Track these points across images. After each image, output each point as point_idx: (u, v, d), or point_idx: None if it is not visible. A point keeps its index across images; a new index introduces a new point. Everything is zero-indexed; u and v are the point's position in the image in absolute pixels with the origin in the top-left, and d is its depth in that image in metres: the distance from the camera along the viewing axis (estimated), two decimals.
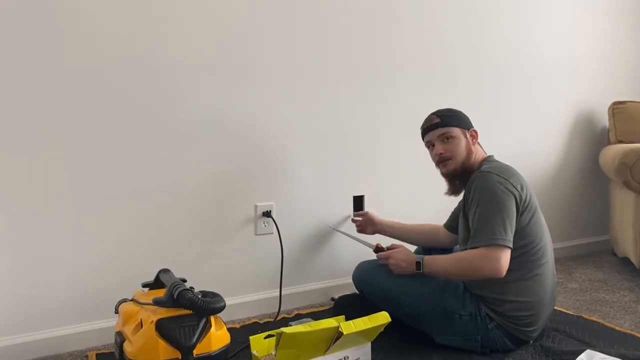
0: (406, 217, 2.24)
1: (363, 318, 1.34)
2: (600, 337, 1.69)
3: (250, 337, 1.37)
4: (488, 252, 1.49)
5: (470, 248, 1.54)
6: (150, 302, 1.39)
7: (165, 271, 1.54)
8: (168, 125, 1.81)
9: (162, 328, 1.31)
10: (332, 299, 2.07)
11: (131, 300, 1.51)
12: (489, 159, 1.72)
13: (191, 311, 1.34)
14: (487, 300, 1.58)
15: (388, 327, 1.39)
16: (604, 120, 2.87)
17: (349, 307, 1.79)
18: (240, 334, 1.72)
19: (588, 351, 1.51)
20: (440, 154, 1.71)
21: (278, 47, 1.99)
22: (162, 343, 1.29)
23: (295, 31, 2.02)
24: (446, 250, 1.90)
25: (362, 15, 2.15)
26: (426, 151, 2.31)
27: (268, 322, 1.90)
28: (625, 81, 2.97)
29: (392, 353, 1.60)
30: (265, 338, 1.38)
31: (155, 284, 1.54)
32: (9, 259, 1.60)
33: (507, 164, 1.70)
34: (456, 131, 1.71)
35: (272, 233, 2.00)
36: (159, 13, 1.77)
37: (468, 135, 1.72)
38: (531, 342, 1.62)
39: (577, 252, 2.83)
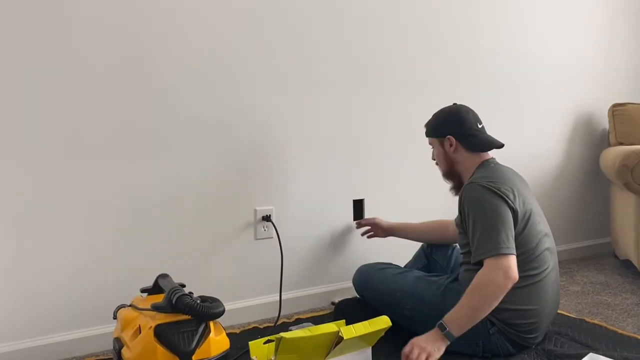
0: (407, 220, 2.24)
1: (364, 322, 1.33)
2: (602, 340, 1.68)
3: (250, 342, 1.36)
4: (495, 263, 1.45)
5: (475, 263, 1.51)
6: (149, 307, 1.37)
7: (164, 276, 1.53)
8: (167, 130, 1.80)
9: (161, 334, 1.30)
10: (333, 303, 2.06)
11: (130, 305, 1.50)
12: (484, 165, 1.67)
13: (190, 316, 1.33)
14: None
15: (389, 332, 1.38)
16: (604, 122, 2.87)
17: (349, 311, 1.79)
18: (240, 339, 1.71)
19: (591, 354, 1.50)
20: (433, 159, 1.80)
21: (279, 51, 1.98)
22: (160, 349, 1.28)
23: (295, 35, 2.01)
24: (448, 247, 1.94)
25: (364, 20, 2.15)
26: (425, 154, 2.32)
27: (268, 327, 1.89)
28: (625, 83, 2.97)
29: (393, 357, 1.58)
30: (264, 343, 1.37)
31: (154, 289, 1.53)
32: (6, 265, 1.59)
33: (505, 167, 1.68)
34: (434, 141, 1.76)
35: (272, 237, 2.00)
36: (162, 18, 1.77)
37: (446, 144, 1.71)
38: (533, 346, 1.61)
39: (579, 255, 2.82)
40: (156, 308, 1.36)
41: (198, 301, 1.34)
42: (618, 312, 2.00)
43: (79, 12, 1.65)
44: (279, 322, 1.90)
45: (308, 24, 2.04)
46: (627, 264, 2.57)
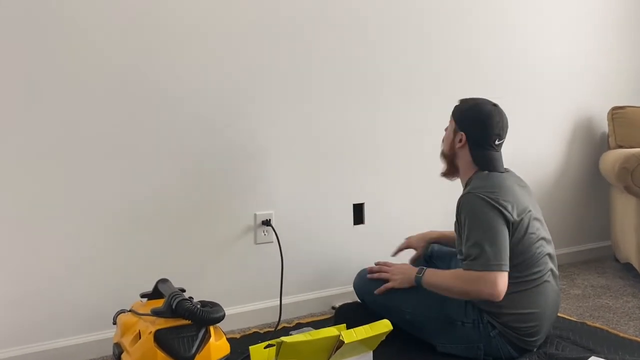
0: (407, 224, 2.24)
1: (364, 326, 1.32)
2: (604, 344, 1.67)
3: (250, 347, 1.35)
4: (485, 276, 1.46)
5: (465, 267, 1.51)
6: (149, 312, 1.37)
7: (163, 281, 1.53)
8: (167, 134, 1.80)
9: (161, 339, 1.30)
10: (333, 308, 2.05)
11: (129, 310, 1.49)
12: (480, 173, 1.63)
13: (190, 321, 1.33)
14: (487, 312, 1.56)
15: (390, 336, 1.37)
16: (604, 125, 2.87)
17: (350, 315, 1.78)
18: (240, 344, 1.71)
19: (593, 358, 1.50)
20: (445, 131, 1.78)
21: (278, 57, 1.98)
22: (160, 354, 1.28)
23: (295, 39, 2.01)
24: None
25: (364, 23, 2.15)
26: (426, 158, 2.32)
27: (268, 331, 1.88)
28: (625, 86, 2.97)
29: None
30: (265, 348, 1.36)
31: (154, 294, 1.53)
32: (4, 271, 1.59)
33: (505, 173, 1.65)
34: (451, 122, 1.73)
35: (272, 242, 1.99)
36: (160, 31, 1.77)
37: (457, 136, 1.68)
38: (534, 349, 1.60)
39: (579, 258, 2.81)
40: (156, 313, 1.35)
41: (198, 306, 1.34)
42: (619, 316, 2.00)
43: (79, 23, 1.66)
44: (279, 327, 1.90)
45: (310, 31, 2.04)
46: (628, 267, 2.56)
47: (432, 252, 1.97)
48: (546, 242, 1.61)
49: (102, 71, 1.70)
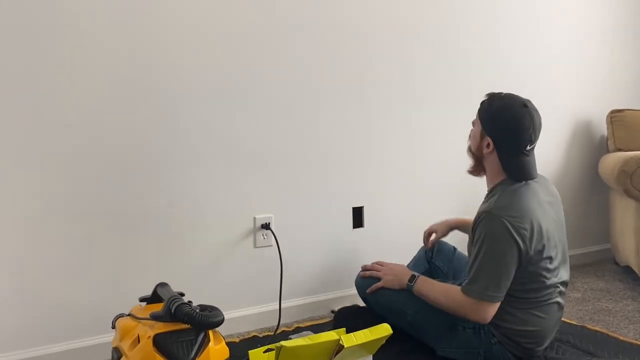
0: (406, 227, 2.24)
1: (364, 330, 1.32)
2: (604, 347, 1.67)
3: (250, 352, 1.35)
4: (477, 305, 1.46)
5: (462, 290, 1.49)
6: (148, 316, 1.36)
7: (162, 285, 1.52)
8: (166, 138, 1.80)
9: (160, 343, 1.29)
10: (333, 312, 2.04)
11: (128, 315, 1.48)
12: (508, 183, 1.53)
13: (189, 325, 1.32)
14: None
15: (389, 340, 1.37)
16: (603, 128, 2.87)
17: (349, 319, 1.77)
18: (240, 348, 1.70)
19: None
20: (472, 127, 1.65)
21: (277, 59, 1.98)
22: (159, 358, 1.27)
23: (295, 43, 2.01)
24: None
25: (361, 31, 2.15)
26: (425, 162, 2.32)
27: (268, 335, 1.87)
28: (623, 89, 2.97)
29: None
30: (264, 352, 1.36)
31: (153, 298, 1.52)
32: (3, 274, 1.58)
33: (532, 186, 1.54)
34: (477, 123, 1.59)
35: (272, 245, 1.99)
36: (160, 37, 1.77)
37: (484, 140, 1.56)
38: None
39: (579, 261, 2.81)
40: (155, 317, 1.34)
41: (197, 310, 1.33)
42: (619, 319, 1.99)
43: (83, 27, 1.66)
44: (278, 331, 1.89)
45: (309, 36, 2.04)
46: (627, 270, 2.56)
47: (433, 252, 1.97)
48: (562, 270, 1.55)
49: (99, 82, 1.70)
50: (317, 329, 1.85)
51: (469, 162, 1.67)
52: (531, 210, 1.48)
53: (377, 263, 1.78)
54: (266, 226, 1.98)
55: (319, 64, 2.07)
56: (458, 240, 2.02)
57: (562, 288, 1.57)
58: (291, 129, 2.03)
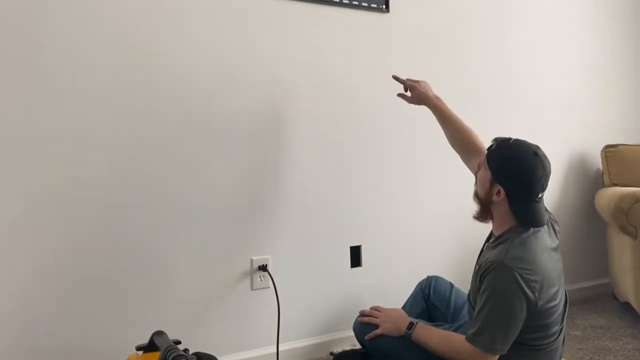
0: (404, 265, 2.24)
1: None
2: None
3: None
4: (482, 356, 1.44)
5: (468, 340, 1.47)
6: None
7: (159, 333, 1.51)
8: (161, 185, 1.81)
9: None
10: (332, 354, 2.03)
11: None
12: (521, 230, 1.51)
13: None
14: None
15: None
16: (598, 161, 2.89)
17: None
18: None
19: None
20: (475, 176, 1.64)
21: (276, 110, 2.01)
22: None
23: (299, 91, 2.05)
24: None
25: (366, 59, 2.19)
26: (422, 199, 2.33)
27: None
28: (616, 123, 2.99)
29: None
30: None
31: (150, 346, 1.51)
32: None
33: (540, 234, 1.51)
34: (485, 168, 1.56)
35: (269, 287, 1.98)
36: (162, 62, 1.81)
37: (494, 188, 1.52)
38: None
39: (578, 296, 2.79)
40: None
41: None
42: (620, 358, 1.98)
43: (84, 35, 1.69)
44: None
45: (310, 67, 2.08)
46: (627, 307, 2.54)
47: (430, 290, 1.95)
48: (564, 314, 1.55)
49: (98, 110, 1.72)
50: None
51: (473, 207, 1.62)
52: (542, 262, 1.46)
53: (374, 308, 1.77)
54: (263, 268, 1.98)
55: (314, 107, 2.10)
56: (455, 276, 2.01)
57: (564, 332, 1.57)
58: (287, 168, 2.04)
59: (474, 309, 1.52)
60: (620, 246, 2.49)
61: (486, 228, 1.65)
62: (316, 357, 2.08)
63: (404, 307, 1.95)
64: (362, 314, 1.77)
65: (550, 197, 2.76)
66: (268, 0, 2.00)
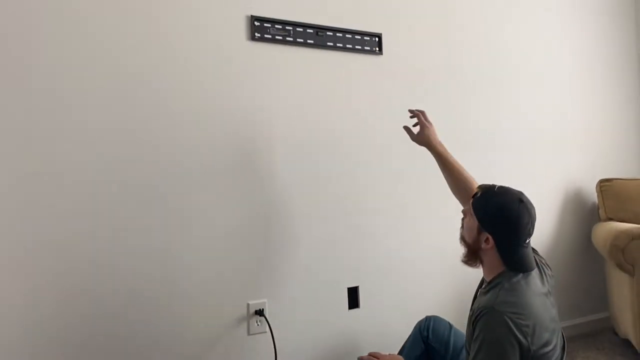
0: (403, 306, 2.22)
1: None
2: None
3: None
4: None
5: None
6: None
7: None
8: (158, 218, 1.81)
9: None
10: None
11: None
12: (511, 276, 1.52)
13: None
14: None
15: None
16: (594, 195, 2.89)
17: None
18: None
19: None
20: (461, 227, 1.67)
21: (269, 129, 2.02)
22: None
23: (293, 125, 2.06)
24: None
25: (366, 78, 2.21)
26: (418, 243, 2.32)
27: None
28: (611, 156, 3.01)
29: None
30: None
31: None
32: None
33: (532, 277, 1.54)
34: (471, 216, 1.58)
35: (266, 332, 1.96)
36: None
37: (482, 236, 1.55)
38: None
39: (578, 332, 2.77)
40: None
41: None
42: None
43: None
44: None
45: (309, 94, 2.10)
46: (627, 343, 2.52)
47: (429, 332, 1.94)
48: (561, 356, 1.54)
49: (89, 149, 1.72)
50: None
51: (461, 250, 1.65)
52: (533, 307, 1.47)
53: (372, 355, 1.75)
54: (260, 312, 1.96)
55: (305, 140, 2.11)
56: (454, 315, 2.00)
57: None
58: (283, 209, 2.04)
59: (469, 355, 1.51)
60: (619, 282, 2.48)
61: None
62: None
63: (402, 348, 1.94)
64: None
65: (548, 231, 2.76)
66: (266, 46, 2.03)
